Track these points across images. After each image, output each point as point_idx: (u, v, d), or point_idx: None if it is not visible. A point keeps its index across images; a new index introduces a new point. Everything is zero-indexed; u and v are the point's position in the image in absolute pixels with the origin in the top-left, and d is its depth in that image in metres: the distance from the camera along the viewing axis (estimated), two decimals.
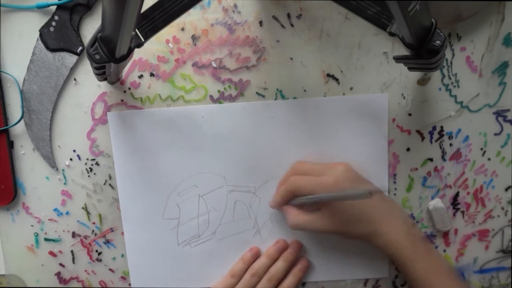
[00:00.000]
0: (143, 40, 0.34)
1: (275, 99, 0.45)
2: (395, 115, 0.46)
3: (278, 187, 0.46)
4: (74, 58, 0.44)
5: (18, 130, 0.46)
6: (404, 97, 0.45)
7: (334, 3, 0.37)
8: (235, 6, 0.43)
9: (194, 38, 0.44)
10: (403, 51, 0.38)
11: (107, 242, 0.48)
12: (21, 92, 0.45)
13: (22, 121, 0.45)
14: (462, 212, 0.48)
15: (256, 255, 0.47)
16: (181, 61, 0.44)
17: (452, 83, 0.45)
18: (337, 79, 0.45)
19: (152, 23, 0.34)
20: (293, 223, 0.44)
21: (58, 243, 0.48)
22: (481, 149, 0.47)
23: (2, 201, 0.47)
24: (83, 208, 0.47)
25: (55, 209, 0.47)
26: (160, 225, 0.47)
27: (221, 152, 0.46)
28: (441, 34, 0.34)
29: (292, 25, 0.44)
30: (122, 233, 0.47)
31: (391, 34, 0.35)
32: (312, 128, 0.45)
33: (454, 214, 0.48)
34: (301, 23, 0.44)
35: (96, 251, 0.48)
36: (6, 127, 0.45)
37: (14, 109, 0.46)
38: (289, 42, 0.44)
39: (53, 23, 0.43)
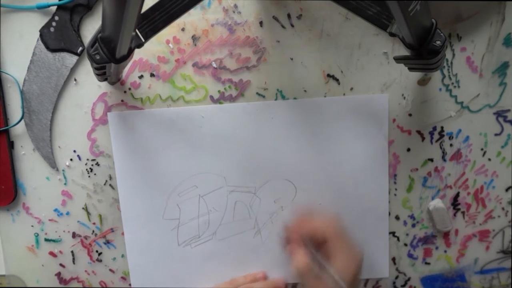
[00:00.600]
0: (143, 40, 0.34)
1: (276, 99, 0.45)
2: (396, 115, 0.46)
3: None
4: (75, 58, 0.44)
5: (19, 130, 0.46)
6: (404, 98, 0.45)
7: (334, 3, 0.37)
8: (235, 6, 0.43)
9: (194, 38, 0.44)
10: (404, 52, 0.38)
11: (107, 242, 0.48)
12: (22, 92, 0.45)
13: (23, 121, 0.45)
14: (463, 212, 0.48)
15: (260, 280, 0.47)
16: (181, 61, 0.44)
17: (452, 83, 0.45)
18: (337, 80, 0.45)
19: (152, 23, 0.34)
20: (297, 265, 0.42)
21: (58, 243, 0.48)
22: (482, 149, 0.47)
23: (2, 202, 0.47)
24: (83, 208, 0.47)
25: (56, 210, 0.47)
26: (160, 226, 0.47)
27: (221, 153, 0.46)
28: (442, 34, 0.34)
29: (292, 26, 0.44)
30: (122, 234, 0.47)
31: (392, 35, 0.35)
32: (312, 128, 0.45)
33: (454, 215, 0.48)
34: (301, 24, 0.44)
35: (97, 251, 0.48)
36: (6, 128, 0.45)
37: (14, 109, 0.46)
38: (289, 42, 0.44)
39: (54, 24, 0.43)
